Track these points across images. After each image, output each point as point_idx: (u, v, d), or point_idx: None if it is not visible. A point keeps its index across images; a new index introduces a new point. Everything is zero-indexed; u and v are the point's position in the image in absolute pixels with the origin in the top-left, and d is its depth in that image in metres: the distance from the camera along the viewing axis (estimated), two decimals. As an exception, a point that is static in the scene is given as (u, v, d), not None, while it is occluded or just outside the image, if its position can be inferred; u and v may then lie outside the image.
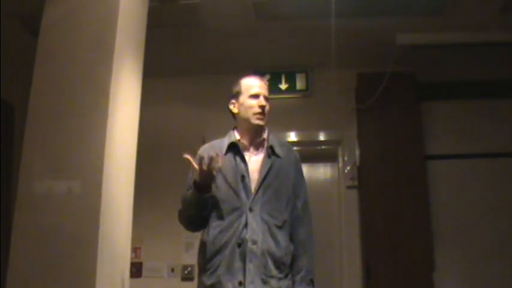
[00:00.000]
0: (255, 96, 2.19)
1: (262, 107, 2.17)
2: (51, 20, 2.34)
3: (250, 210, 2.04)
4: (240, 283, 1.96)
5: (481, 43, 3.56)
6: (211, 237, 2.05)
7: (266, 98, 2.21)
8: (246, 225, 2.02)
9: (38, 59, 2.29)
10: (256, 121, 2.17)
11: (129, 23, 2.42)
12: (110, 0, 2.34)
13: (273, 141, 2.22)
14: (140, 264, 3.95)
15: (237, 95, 2.24)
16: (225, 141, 2.20)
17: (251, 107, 2.17)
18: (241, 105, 2.21)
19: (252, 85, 2.22)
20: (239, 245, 2.00)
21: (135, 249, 3.87)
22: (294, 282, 2.09)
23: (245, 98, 2.20)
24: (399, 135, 3.83)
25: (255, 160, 2.17)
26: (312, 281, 2.11)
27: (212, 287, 1.99)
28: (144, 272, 3.94)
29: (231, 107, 2.26)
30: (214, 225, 2.07)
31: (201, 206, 2.07)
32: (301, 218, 2.17)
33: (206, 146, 2.25)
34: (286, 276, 2.06)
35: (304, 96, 4.23)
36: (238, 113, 2.23)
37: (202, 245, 2.10)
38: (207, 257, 2.04)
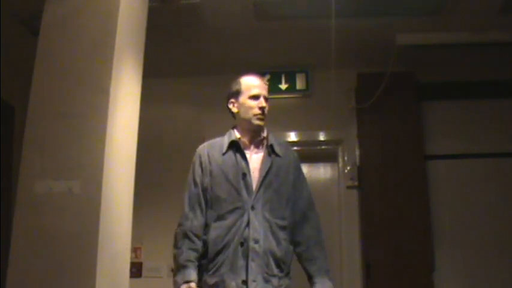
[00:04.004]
0: (256, 97, 2.18)
1: (262, 109, 2.17)
2: (51, 20, 2.34)
3: (252, 208, 2.05)
4: (243, 282, 1.97)
5: (481, 43, 3.55)
6: (213, 237, 2.04)
7: (266, 99, 2.21)
8: (248, 224, 2.02)
9: (38, 59, 2.29)
10: (256, 121, 2.17)
11: (129, 23, 2.42)
12: (110, 0, 2.34)
13: (272, 140, 2.23)
14: (140, 264, 3.94)
15: (236, 94, 2.23)
16: (225, 140, 2.20)
17: (251, 107, 2.17)
18: (241, 105, 2.21)
19: (253, 85, 2.21)
20: (242, 244, 2.00)
21: (135, 249, 3.87)
22: (312, 276, 2.10)
23: (245, 98, 2.19)
24: (399, 135, 3.83)
25: (255, 158, 2.17)
26: (328, 271, 2.11)
27: (215, 286, 1.99)
28: (144, 272, 3.94)
29: (230, 106, 2.25)
30: (215, 225, 2.06)
31: None
32: (307, 214, 2.18)
33: (205, 144, 2.25)
34: (286, 275, 2.07)
35: (304, 96, 4.23)
36: (238, 113, 2.23)
37: (204, 245, 2.08)
38: (209, 257, 2.03)
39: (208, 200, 2.12)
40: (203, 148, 2.22)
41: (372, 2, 3.33)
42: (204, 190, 2.13)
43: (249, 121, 2.18)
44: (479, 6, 3.31)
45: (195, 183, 2.14)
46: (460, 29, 3.50)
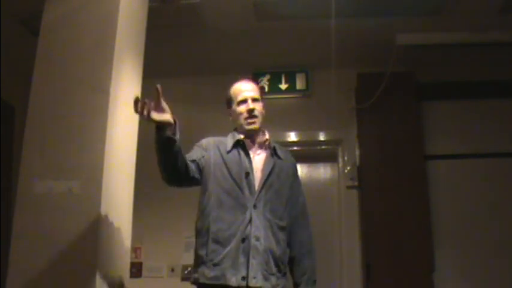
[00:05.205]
0: (243, 101, 2.22)
1: (250, 111, 2.19)
2: (51, 20, 2.34)
3: (255, 207, 2.06)
4: (243, 278, 1.98)
5: (481, 43, 3.55)
6: (213, 229, 2.04)
7: (255, 99, 2.22)
8: (250, 221, 2.04)
9: (38, 59, 2.29)
10: (247, 126, 2.20)
11: (129, 23, 2.42)
12: (110, 0, 2.34)
13: (274, 143, 2.27)
14: (140, 264, 3.94)
15: (229, 103, 2.28)
16: (229, 139, 2.23)
17: (241, 113, 2.21)
18: (233, 112, 2.26)
19: (240, 90, 2.24)
20: (243, 241, 2.01)
21: (135, 249, 3.87)
22: (298, 284, 2.16)
23: (235, 105, 2.24)
24: (399, 135, 3.83)
25: (258, 159, 2.20)
26: (315, 282, 2.18)
27: (215, 279, 1.99)
28: (144, 272, 3.94)
29: (229, 116, 2.31)
30: (216, 216, 2.06)
31: (165, 149, 1.93)
32: (300, 221, 2.23)
33: (213, 137, 2.27)
34: (283, 275, 2.10)
35: (304, 96, 4.23)
36: (233, 120, 2.28)
37: (201, 235, 2.09)
38: (208, 249, 2.03)
39: (202, 175, 2.14)
40: (210, 138, 2.25)
41: (372, 2, 3.33)
42: (199, 160, 2.15)
43: (242, 126, 2.22)
44: (479, 6, 3.31)
45: (194, 153, 2.17)
46: (460, 29, 3.50)
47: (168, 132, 1.90)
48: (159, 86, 1.88)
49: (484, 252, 3.71)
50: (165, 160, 1.99)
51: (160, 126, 1.89)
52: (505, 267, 3.67)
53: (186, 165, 2.07)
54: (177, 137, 1.93)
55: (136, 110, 1.84)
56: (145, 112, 1.82)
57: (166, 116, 1.89)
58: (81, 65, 2.26)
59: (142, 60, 2.60)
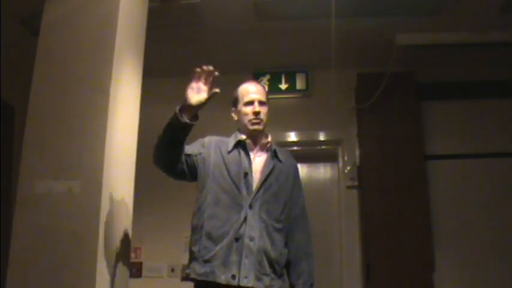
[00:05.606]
0: (250, 103, 2.23)
1: (256, 113, 2.21)
2: (51, 20, 2.35)
3: (250, 207, 2.07)
4: (233, 276, 1.98)
5: (481, 43, 3.56)
6: (207, 227, 2.05)
7: (262, 102, 2.24)
8: (245, 220, 2.04)
9: (38, 59, 2.29)
10: (252, 127, 2.22)
11: (129, 23, 2.42)
12: (110, 0, 2.34)
13: (275, 146, 2.28)
14: (140, 264, 3.95)
15: (235, 103, 2.30)
16: (231, 140, 2.24)
17: (246, 114, 2.23)
18: (239, 112, 2.28)
19: (247, 92, 2.26)
20: (236, 240, 2.02)
21: (135, 249, 3.87)
22: (294, 287, 2.16)
23: (241, 105, 2.26)
24: (399, 135, 3.83)
25: (258, 161, 2.21)
26: (311, 285, 2.17)
27: (204, 275, 2.00)
28: (144, 272, 3.94)
29: (232, 114, 2.33)
30: (211, 213, 2.07)
31: (176, 133, 2.09)
32: (299, 223, 2.23)
33: (216, 136, 2.29)
34: (279, 276, 2.10)
35: (304, 96, 4.23)
36: (238, 120, 2.29)
37: (196, 231, 2.10)
38: (201, 245, 2.04)
39: (199, 173, 2.17)
40: (214, 137, 2.28)
41: (372, 2, 3.34)
42: (195, 156, 2.18)
43: (245, 127, 2.23)
44: (479, 6, 3.31)
45: (191, 147, 2.21)
46: (460, 29, 3.50)
47: (185, 119, 2.02)
48: (217, 90, 2.06)
49: (484, 252, 3.71)
50: (166, 141, 2.10)
51: (183, 109, 2.04)
52: (505, 267, 3.67)
53: (180, 155, 2.13)
54: (188, 131, 2.07)
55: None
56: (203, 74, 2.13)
57: (195, 107, 2.04)
58: (81, 65, 2.26)
59: (142, 60, 2.60)
